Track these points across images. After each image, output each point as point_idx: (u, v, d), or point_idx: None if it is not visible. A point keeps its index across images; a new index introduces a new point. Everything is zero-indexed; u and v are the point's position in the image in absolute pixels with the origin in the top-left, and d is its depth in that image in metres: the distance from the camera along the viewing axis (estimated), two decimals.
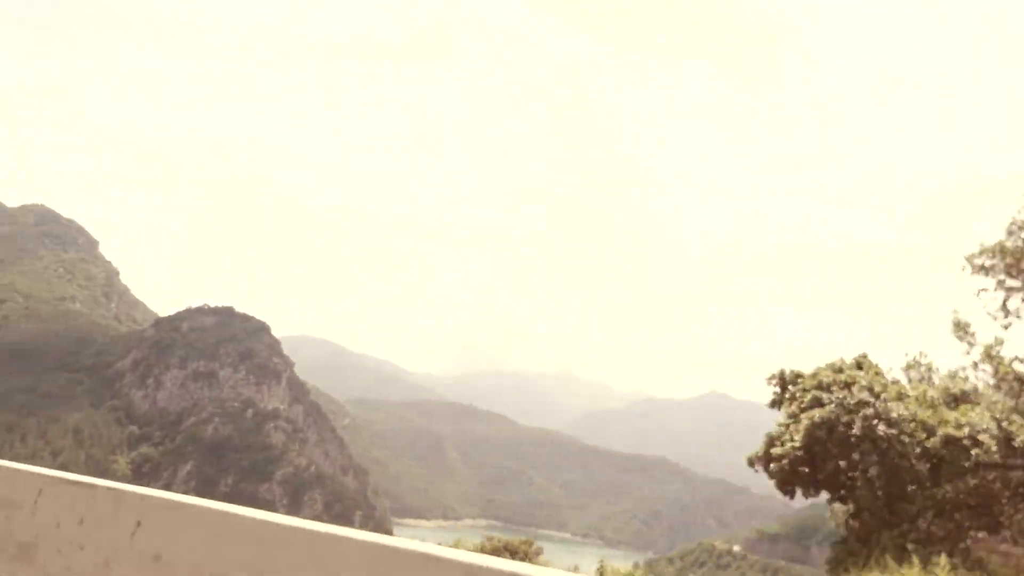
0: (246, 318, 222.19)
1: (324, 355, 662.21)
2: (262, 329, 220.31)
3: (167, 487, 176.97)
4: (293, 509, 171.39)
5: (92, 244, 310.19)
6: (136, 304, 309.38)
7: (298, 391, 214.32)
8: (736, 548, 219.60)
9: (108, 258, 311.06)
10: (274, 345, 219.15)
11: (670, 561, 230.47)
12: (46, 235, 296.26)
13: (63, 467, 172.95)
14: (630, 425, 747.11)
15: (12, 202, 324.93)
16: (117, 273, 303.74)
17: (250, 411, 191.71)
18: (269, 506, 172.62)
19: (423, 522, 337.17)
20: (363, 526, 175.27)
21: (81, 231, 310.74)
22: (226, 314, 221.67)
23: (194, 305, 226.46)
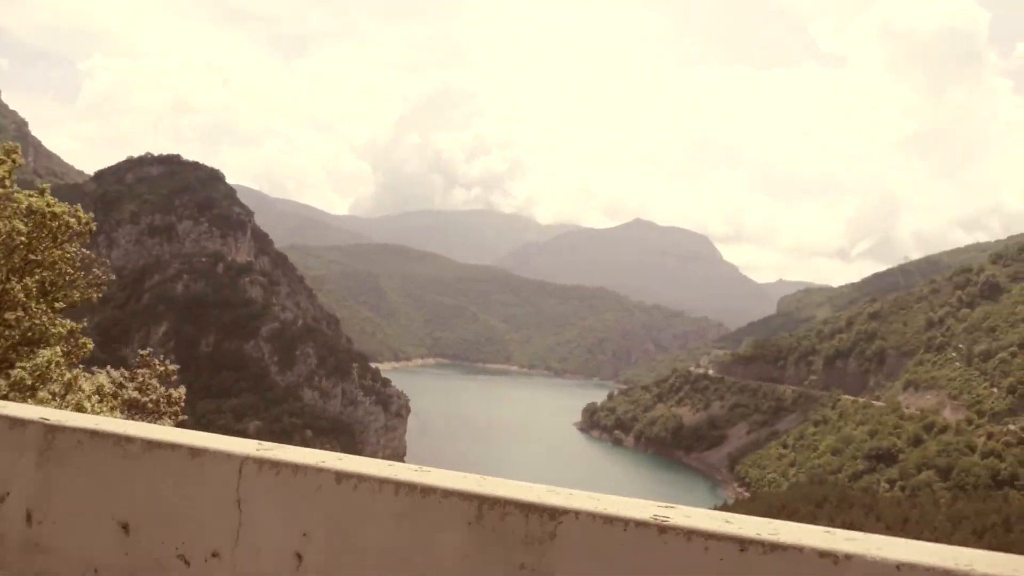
0: (197, 166, 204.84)
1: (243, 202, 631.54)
2: (216, 177, 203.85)
3: (142, 349, 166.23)
4: (285, 366, 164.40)
5: None
6: (51, 157, 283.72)
7: (263, 242, 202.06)
8: (711, 372, 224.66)
9: (13, 107, 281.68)
10: (231, 194, 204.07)
11: (646, 389, 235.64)
12: None
13: None
14: (559, 256, 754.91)
15: None
16: (26, 124, 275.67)
17: (220, 265, 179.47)
18: (258, 363, 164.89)
19: (377, 366, 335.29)
20: (361, 378, 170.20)
21: None
22: (173, 163, 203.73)
23: (135, 155, 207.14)
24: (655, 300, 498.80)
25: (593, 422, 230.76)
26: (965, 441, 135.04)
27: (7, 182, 14.59)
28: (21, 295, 14.21)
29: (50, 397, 13.27)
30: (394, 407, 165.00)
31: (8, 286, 14.08)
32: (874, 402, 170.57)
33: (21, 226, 14.30)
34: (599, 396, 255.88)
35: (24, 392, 13.04)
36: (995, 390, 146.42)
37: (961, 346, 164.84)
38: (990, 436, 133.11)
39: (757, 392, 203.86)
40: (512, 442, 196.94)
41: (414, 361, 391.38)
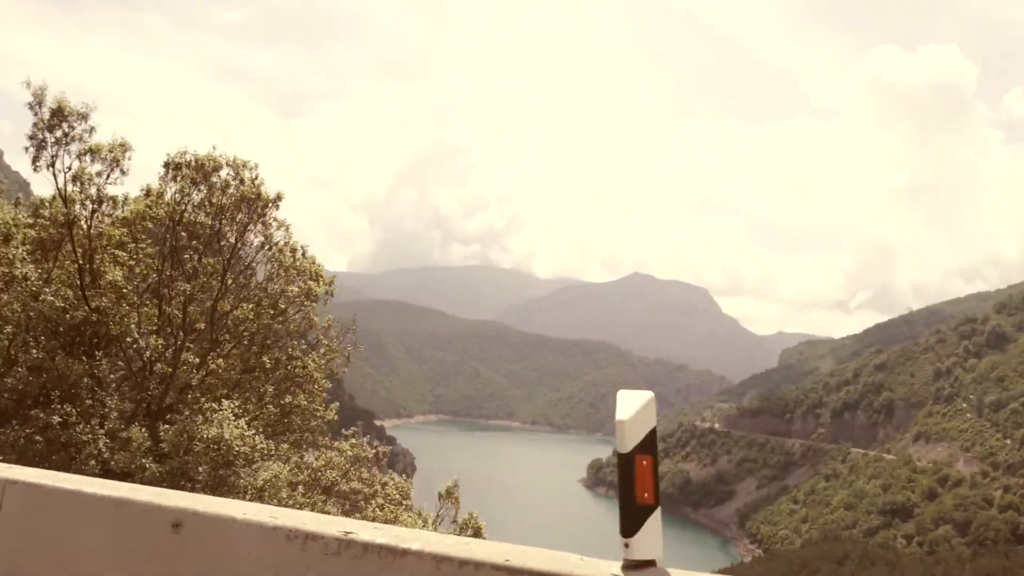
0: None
1: None
2: None
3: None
4: None
5: None
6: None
7: None
8: (717, 426, 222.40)
9: (15, 169, 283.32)
10: None
11: None
12: None
13: None
14: (559, 311, 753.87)
15: None
16: (28, 184, 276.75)
17: None
18: None
19: (380, 423, 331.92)
20: (367, 433, 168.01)
21: None
22: None
23: None
24: (657, 354, 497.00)
25: (598, 478, 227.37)
26: (981, 494, 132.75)
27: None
28: (317, 374, 12.71)
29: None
30: (400, 466, 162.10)
31: (301, 362, 12.49)
32: (885, 455, 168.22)
33: (317, 288, 12.93)
34: (603, 451, 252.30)
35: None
36: (1008, 441, 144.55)
37: (971, 397, 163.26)
38: (1007, 489, 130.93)
39: (765, 446, 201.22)
40: (518, 501, 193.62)
41: (416, 418, 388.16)
